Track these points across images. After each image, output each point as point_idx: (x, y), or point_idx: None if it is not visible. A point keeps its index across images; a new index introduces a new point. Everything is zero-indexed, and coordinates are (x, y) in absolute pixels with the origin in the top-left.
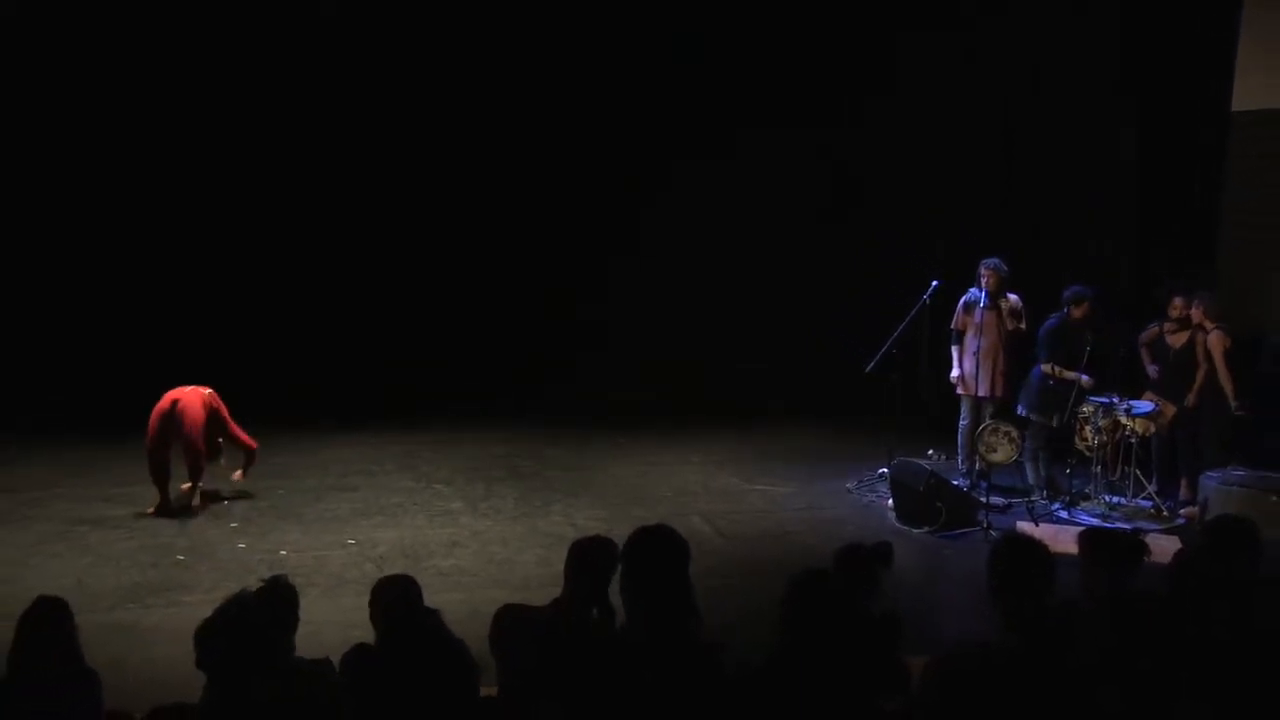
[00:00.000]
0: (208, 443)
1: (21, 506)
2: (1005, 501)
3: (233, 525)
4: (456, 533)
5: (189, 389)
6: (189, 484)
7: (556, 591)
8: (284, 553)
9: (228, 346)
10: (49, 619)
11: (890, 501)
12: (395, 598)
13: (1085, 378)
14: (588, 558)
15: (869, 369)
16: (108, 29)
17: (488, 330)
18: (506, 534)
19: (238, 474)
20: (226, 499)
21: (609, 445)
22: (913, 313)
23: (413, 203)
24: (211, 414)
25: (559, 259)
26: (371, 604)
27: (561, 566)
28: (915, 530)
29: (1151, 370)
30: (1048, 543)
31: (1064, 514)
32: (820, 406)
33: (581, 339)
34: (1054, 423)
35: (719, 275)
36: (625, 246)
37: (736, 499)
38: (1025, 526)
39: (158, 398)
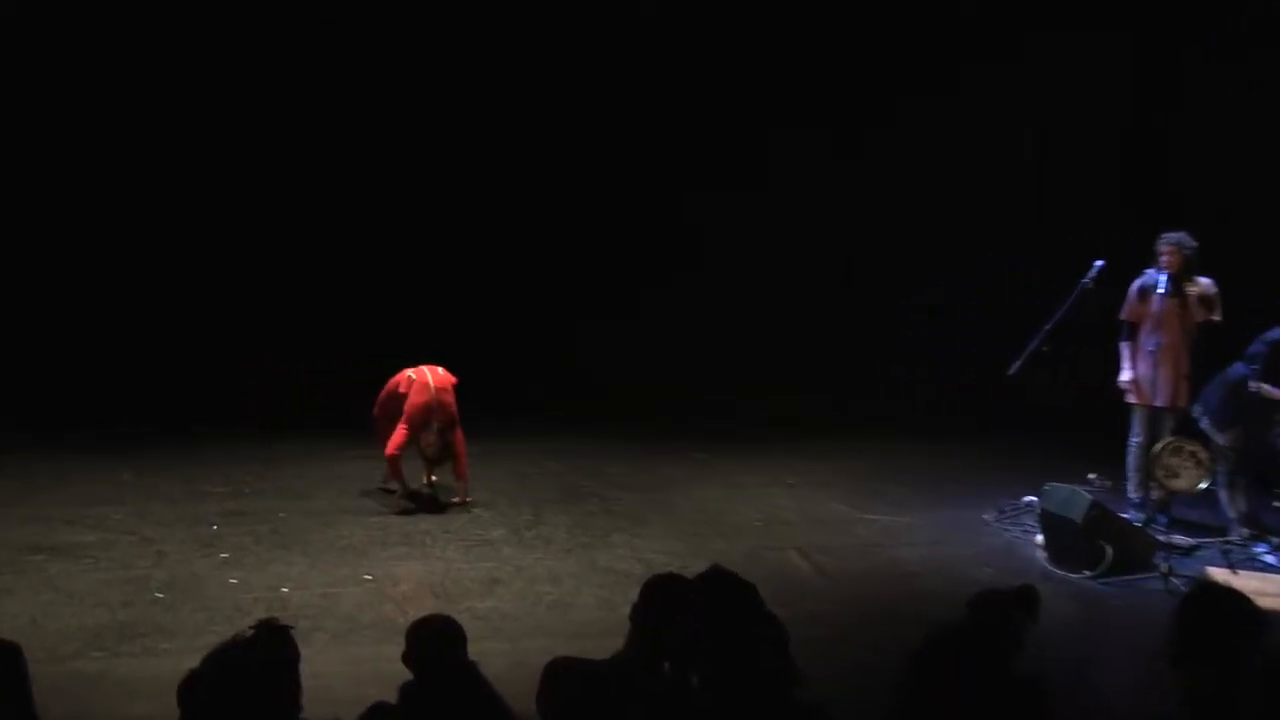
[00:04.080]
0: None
1: None
2: (1192, 541)
3: (223, 556)
4: (497, 567)
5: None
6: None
7: (619, 641)
8: (285, 590)
9: (227, 350)
10: None
11: (1039, 538)
12: (432, 641)
13: None
14: (659, 600)
15: (1012, 371)
16: (107, 29)
17: (541, 324)
18: (558, 570)
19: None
20: (215, 524)
21: (685, 462)
22: (1069, 300)
23: (464, 196)
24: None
25: (635, 247)
26: (406, 648)
27: (626, 610)
28: (1071, 575)
29: None
30: (1250, 596)
31: (1272, 559)
32: (950, 417)
33: (655, 334)
34: (1240, 444)
35: (832, 259)
36: (714, 237)
37: (843, 530)
38: (1219, 574)
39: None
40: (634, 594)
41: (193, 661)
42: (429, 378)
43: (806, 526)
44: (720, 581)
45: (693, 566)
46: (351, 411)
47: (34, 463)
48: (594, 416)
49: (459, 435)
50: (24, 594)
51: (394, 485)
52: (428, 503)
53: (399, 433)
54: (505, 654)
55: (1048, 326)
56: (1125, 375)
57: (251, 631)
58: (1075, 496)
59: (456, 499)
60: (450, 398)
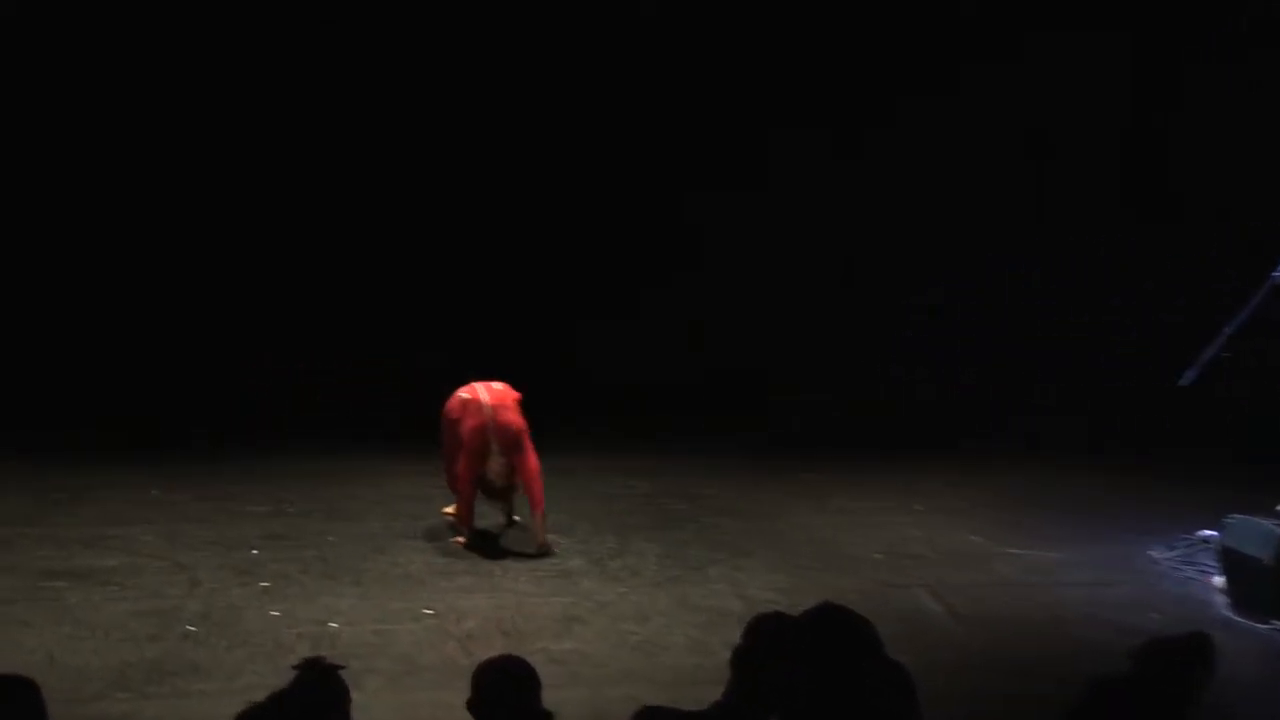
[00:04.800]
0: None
1: None
2: None
3: (264, 585)
4: (575, 602)
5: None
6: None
7: (716, 691)
8: (334, 625)
9: (266, 354)
10: (13, 707)
11: (1219, 580)
12: (501, 686)
13: None
14: (763, 643)
15: (1185, 381)
16: (107, 29)
17: (626, 325)
18: (646, 606)
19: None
20: (255, 548)
21: (794, 483)
22: (1255, 300)
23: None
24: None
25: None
26: (471, 694)
27: (725, 654)
28: (1259, 625)
29: None
30: None
31: None
32: (1109, 436)
33: (757, 336)
34: None
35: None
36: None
37: (980, 566)
38: None
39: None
40: (734, 635)
41: (229, 703)
42: (482, 396)
43: (937, 561)
44: (834, 620)
45: (802, 605)
46: (404, 422)
47: (50, 476)
48: (687, 430)
49: (530, 460)
50: (40, 626)
51: (460, 527)
52: (499, 530)
53: (461, 468)
54: (585, 702)
55: (1230, 329)
56: None
57: (296, 672)
58: (1265, 532)
59: (536, 545)
60: (511, 415)
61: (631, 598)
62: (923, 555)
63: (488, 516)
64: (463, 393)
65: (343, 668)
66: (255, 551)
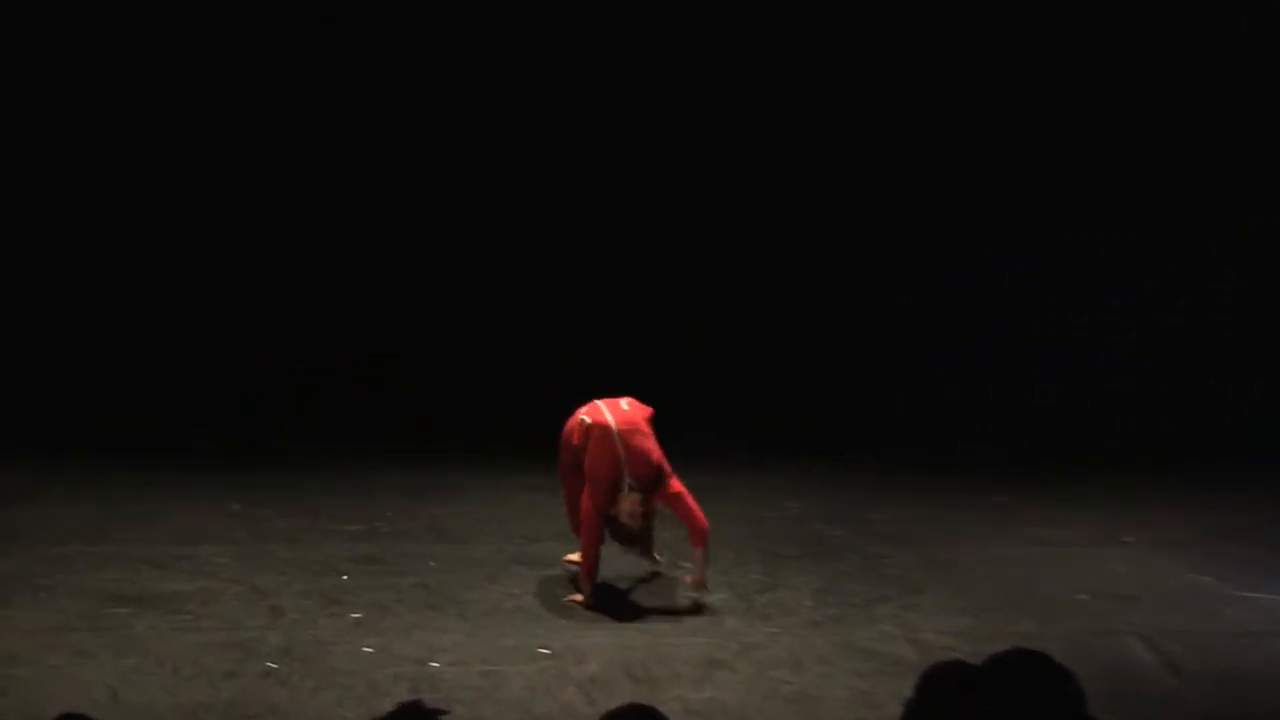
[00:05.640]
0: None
1: (35, 571)
2: None
3: (355, 616)
4: (717, 644)
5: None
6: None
7: None
8: (436, 664)
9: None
10: None
11: None
12: None
13: None
14: (940, 697)
15: None
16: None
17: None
18: (801, 650)
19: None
20: (345, 573)
21: (977, 506)
22: None
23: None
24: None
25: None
26: None
27: (894, 709)
28: None
29: None
30: None
31: None
32: None
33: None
34: None
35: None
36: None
37: (1205, 611)
38: None
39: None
40: (906, 687)
41: None
42: (607, 416)
43: (1153, 603)
44: (1026, 670)
45: (988, 652)
46: (520, 428)
47: (116, 488)
48: (846, 442)
49: (675, 487)
50: (103, 657)
51: (580, 581)
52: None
53: (585, 507)
54: None
55: None
56: None
57: (391, 718)
58: None
59: (689, 578)
60: (644, 440)
61: (783, 640)
62: (1135, 596)
63: (612, 560)
64: (583, 414)
65: (446, 713)
66: (345, 577)
